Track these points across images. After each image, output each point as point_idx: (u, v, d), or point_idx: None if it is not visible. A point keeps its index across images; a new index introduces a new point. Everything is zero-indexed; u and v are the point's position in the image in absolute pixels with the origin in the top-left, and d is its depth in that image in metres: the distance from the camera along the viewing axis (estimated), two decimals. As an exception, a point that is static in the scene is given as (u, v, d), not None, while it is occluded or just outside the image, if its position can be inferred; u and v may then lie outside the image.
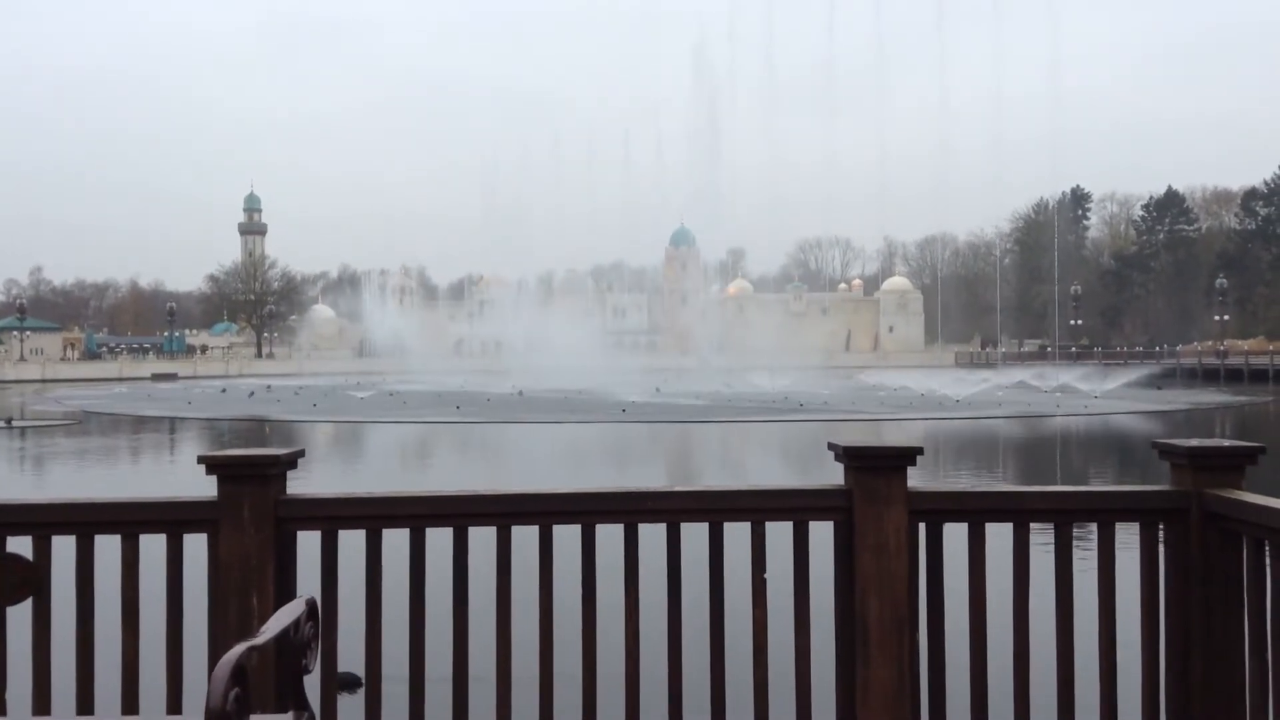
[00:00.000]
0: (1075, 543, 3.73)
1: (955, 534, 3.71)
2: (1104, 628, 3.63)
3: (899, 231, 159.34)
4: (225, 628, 3.55)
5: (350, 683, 4.60)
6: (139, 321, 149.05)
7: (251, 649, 1.96)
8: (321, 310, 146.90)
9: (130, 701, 3.57)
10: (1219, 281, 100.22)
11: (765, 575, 3.71)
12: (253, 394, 57.14)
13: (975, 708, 3.64)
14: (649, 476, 22.43)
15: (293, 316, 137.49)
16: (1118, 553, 3.70)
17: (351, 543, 3.71)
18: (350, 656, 3.76)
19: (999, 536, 3.70)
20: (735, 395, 49.98)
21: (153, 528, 3.66)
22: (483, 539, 3.71)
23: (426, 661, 3.66)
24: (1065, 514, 3.74)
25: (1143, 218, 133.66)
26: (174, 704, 3.55)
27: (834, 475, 3.90)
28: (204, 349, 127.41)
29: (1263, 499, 3.34)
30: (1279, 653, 3.19)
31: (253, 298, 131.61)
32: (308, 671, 2.32)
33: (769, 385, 56.68)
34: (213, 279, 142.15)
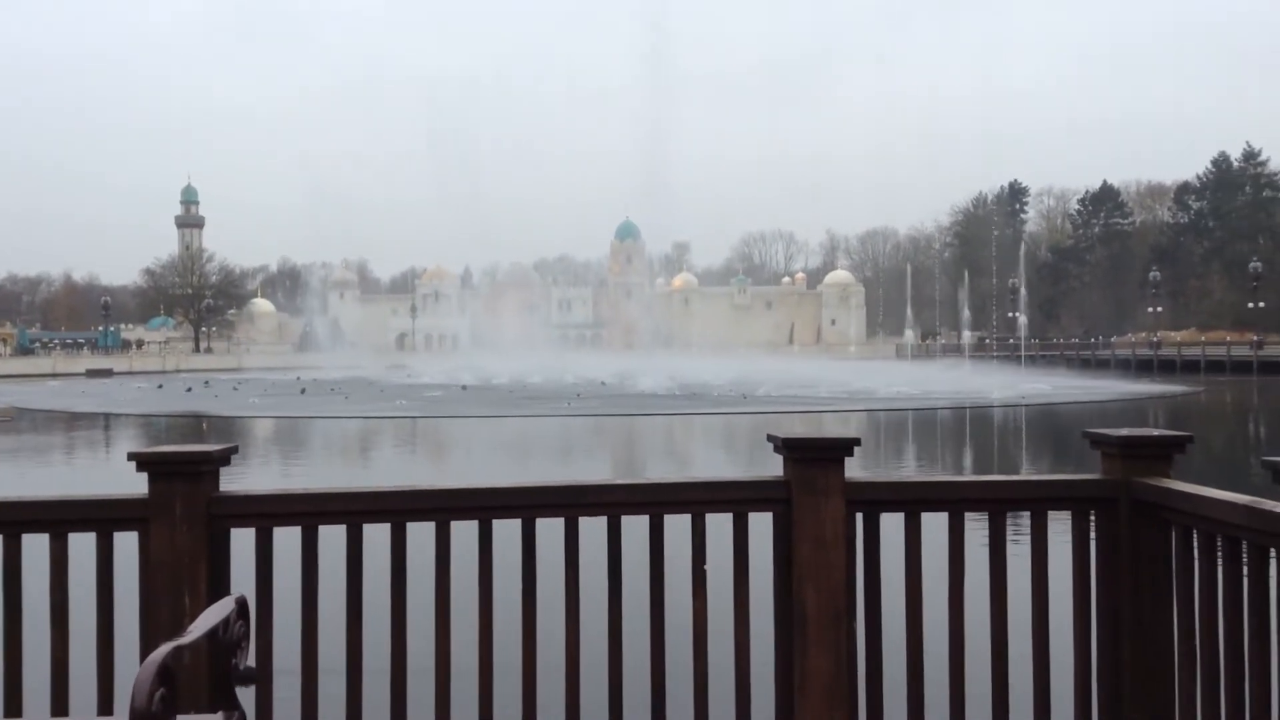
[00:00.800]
0: (1013, 531, 3.79)
1: (893, 523, 3.75)
2: (1037, 614, 3.69)
3: (841, 225, 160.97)
4: (157, 627, 3.49)
5: (246, 677, 4.41)
6: (73, 316, 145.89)
7: (179, 648, 1.93)
8: (261, 304, 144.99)
9: (60, 703, 3.50)
10: (1152, 274, 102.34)
11: (706, 567, 3.72)
12: (190, 389, 56.33)
13: (912, 696, 3.68)
14: (593, 470, 22.43)
15: (231, 311, 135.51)
16: (1054, 540, 3.77)
17: (288, 540, 3.67)
18: (288, 655, 3.71)
19: (936, 525, 3.75)
20: (681, 388, 50.17)
21: (82, 526, 3.59)
22: (422, 535, 3.68)
23: (364, 658, 3.63)
24: (999, 503, 3.79)
25: (1079, 211, 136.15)
26: (105, 705, 3.48)
27: (778, 467, 3.92)
28: (140, 344, 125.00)
29: (1190, 487, 3.41)
30: (1206, 639, 3.26)
31: (190, 291, 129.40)
32: (238, 670, 2.28)
33: (714, 377, 57.02)
34: (149, 272, 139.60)
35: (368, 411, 38.69)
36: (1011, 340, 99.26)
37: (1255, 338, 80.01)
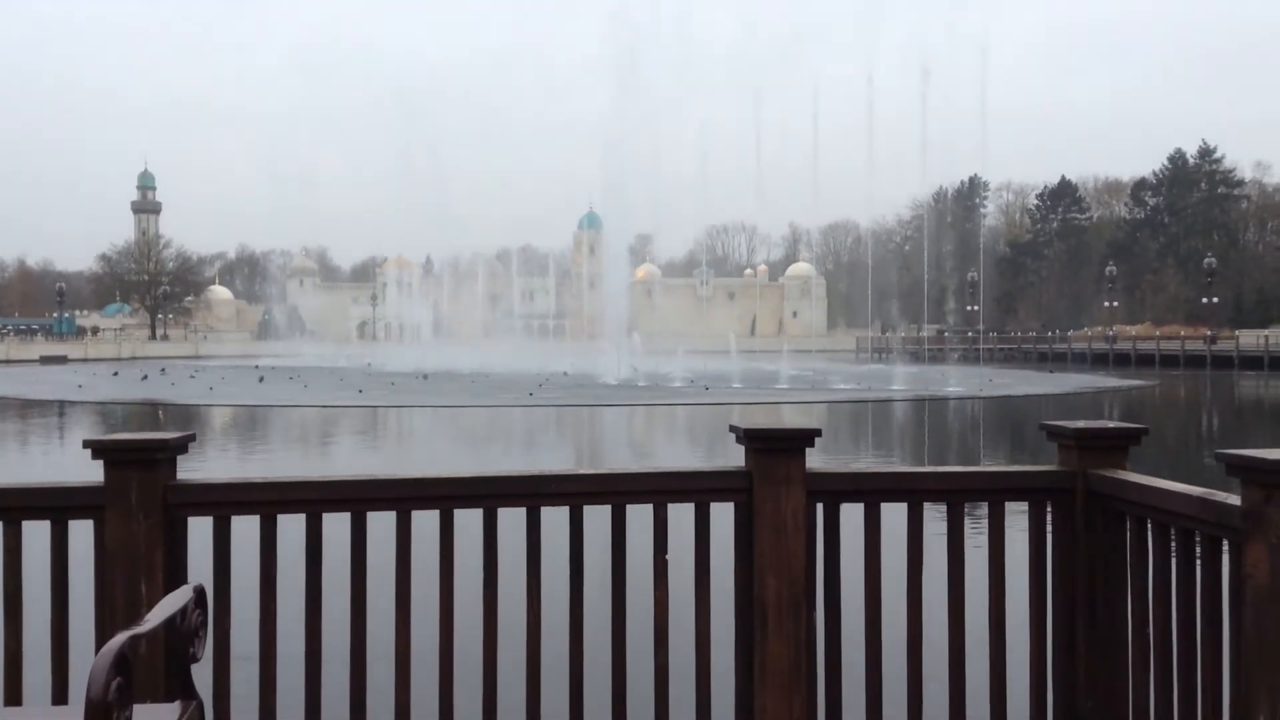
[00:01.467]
0: (972, 521, 3.83)
1: (853, 513, 3.77)
2: (994, 604, 3.73)
3: (803, 219, 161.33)
4: (113, 617, 3.45)
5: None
6: (27, 302, 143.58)
7: (135, 637, 1.92)
8: (219, 291, 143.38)
9: (13, 693, 3.46)
10: (1109, 269, 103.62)
11: (667, 556, 3.73)
12: (145, 377, 55.66)
13: (870, 684, 3.71)
14: (554, 459, 22.40)
15: (189, 298, 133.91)
16: (1011, 530, 3.81)
17: (247, 529, 3.64)
18: (246, 644, 3.68)
19: (897, 516, 3.78)
20: (644, 378, 50.24)
21: (36, 514, 3.53)
22: (383, 524, 3.66)
23: (324, 648, 3.61)
24: (957, 494, 3.83)
25: (1037, 206, 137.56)
26: (59, 695, 3.44)
27: (740, 457, 3.93)
28: (95, 331, 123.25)
29: (1144, 479, 3.46)
30: (1160, 627, 3.31)
31: (146, 278, 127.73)
32: (196, 659, 2.27)
33: (677, 369, 57.15)
34: (105, 259, 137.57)
35: (327, 400, 38.41)
36: (970, 334, 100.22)
37: (1209, 332, 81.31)
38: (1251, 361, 69.21)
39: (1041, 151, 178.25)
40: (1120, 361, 77.03)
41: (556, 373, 55.69)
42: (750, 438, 3.75)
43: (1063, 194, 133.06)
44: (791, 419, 30.78)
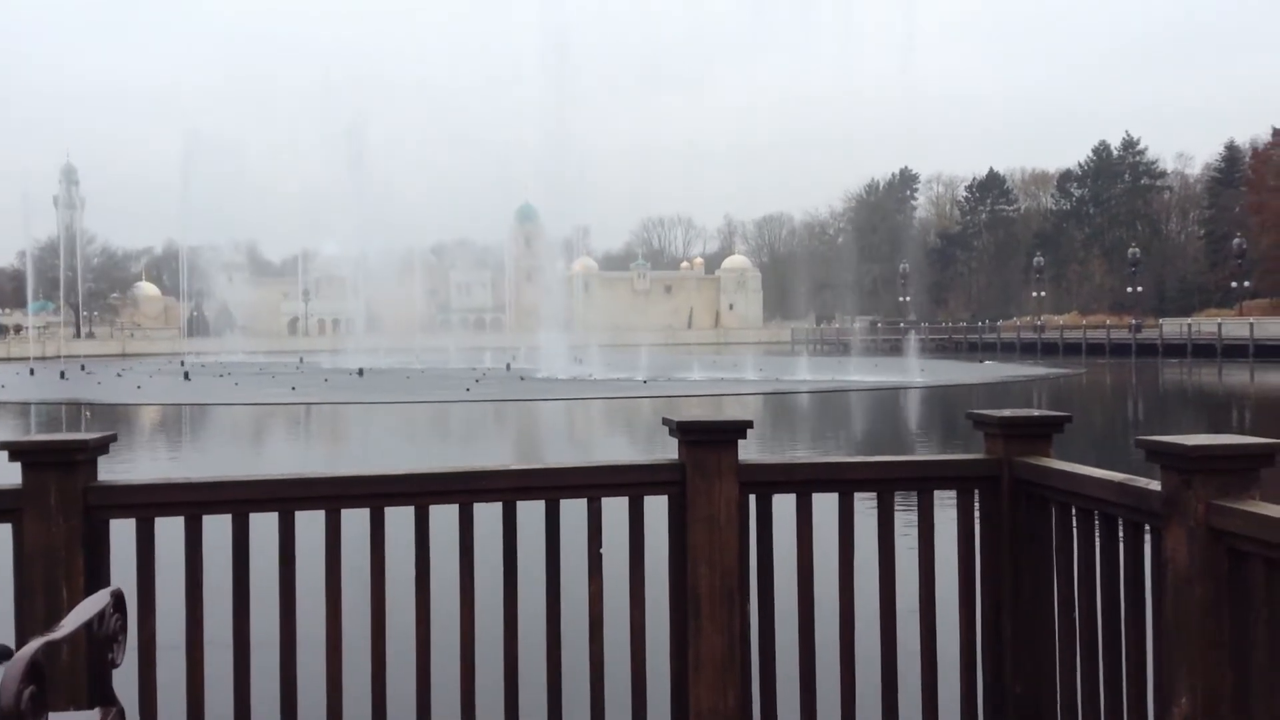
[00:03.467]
0: (903, 509, 3.87)
1: (786, 504, 3.80)
2: (924, 591, 3.78)
3: (738, 211, 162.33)
4: (32, 622, 3.36)
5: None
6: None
7: (50, 643, 1.86)
8: (146, 288, 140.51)
9: None
10: (1036, 259, 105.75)
11: (601, 550, 3.73)
12: (64, 375, 54.37)
13: (804, 673, 3.74)
14: (491, 455, 22.29)
15: (114, 294, 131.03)
16: (941, 519, 3.86)
17: (172, 531, 3.56)
18: (172, 649, 3.61)
19: (829, 505, 3.81)
20: (583, 372, 50.19)
21: None
22: (310, 523, 3.61)
23: (252, 650, 3.55)
24: (887, 483, 3.87)
25: (966, 198, 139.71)
26: None
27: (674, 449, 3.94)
28: (18, 329, 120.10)
29: (1068, 465, 3.52)
30: (1084, 611, 3.37)
31: (70, 274, 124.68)
32: (115, 665, 2.21)
33: (614, 361, 57.16)
34: (25, 255, 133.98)
35: (257, 398, 37.82)
36: (902, 324, 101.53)
37: (1134, 321, 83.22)
38: (1175, 349, 70.94)
39: (971, 144, 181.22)
40: (1048, 351, 78.53)
41: (495, 366, 55.42)
42: (683, 430, 3.76)
43: (991, 186, 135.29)
44: (730, 411, 30.95)
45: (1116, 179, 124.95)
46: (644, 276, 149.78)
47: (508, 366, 54.76)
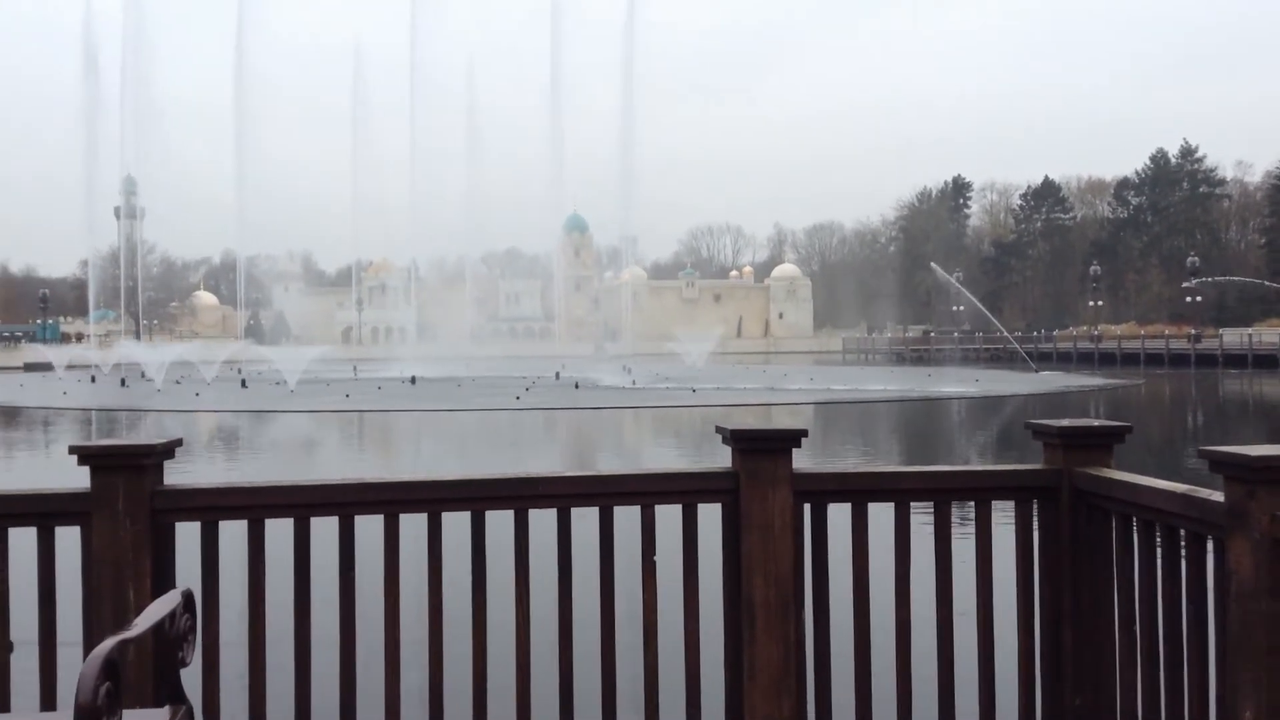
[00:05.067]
0: (961, 521, 3.85)
1: (841, 514, 3.78)
2: (981, 603, 3.75)
3: (788, 219, 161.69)
4: (100, 623, 3.44)
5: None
6: (9, 309, 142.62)
7: (124, 642, 1.91)
8: (204, 297, 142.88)
9: (1, 699, 3.44)
10: (1093, 268, 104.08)
11: (655, 558, 3.74)
12: (124, 382, 55.42)
13: (859, 683, 3.72)
14: (543, 462, 22.37)
15: (173, 303, 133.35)
16: (998, 529, 3.82)
17: (235, 534, 3.63)
18: (235, 649, 3.68)
19: (885, 515, 3.79)
20: (635, 380, 50.23)
21: (22, 520, 3.52)
22: (370, 528, 3.66)
23: (313, 651, 3.60)
24: (943, 493, 3.84)
25: (1021, 206, 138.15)
26: (48, 701, 3.43)
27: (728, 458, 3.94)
28: (80, 337, 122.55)
29: (1129, 476, 3.48)
30: (1145, 625, 3.33)
31: (130, 283, 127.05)
32: (185, 664, 2.26)
33: (666, 370, 57.20)
34: (88, 265, 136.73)
35: (313, 405, 38.28)
36: (956, 334, 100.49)
37: (1192, 331, 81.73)
38: (1235, 360, 69.60)
39: (1025, 152, 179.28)
40: (1105, 361, 77.36)
41: (545, 375, 55.64)
42: (736, 439, 3.76)
43: (1046, 194, 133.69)
44: (781, 421, 30.86)
45: (1175, 187, 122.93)
46: (693, 285, 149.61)
47: (557, 375, 54.95)
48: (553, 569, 3.70)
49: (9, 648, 3.48)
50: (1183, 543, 3.16)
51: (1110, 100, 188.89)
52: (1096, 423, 3.84)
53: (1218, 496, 2.93)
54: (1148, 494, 3.29)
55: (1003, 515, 3.85)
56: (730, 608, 3.76)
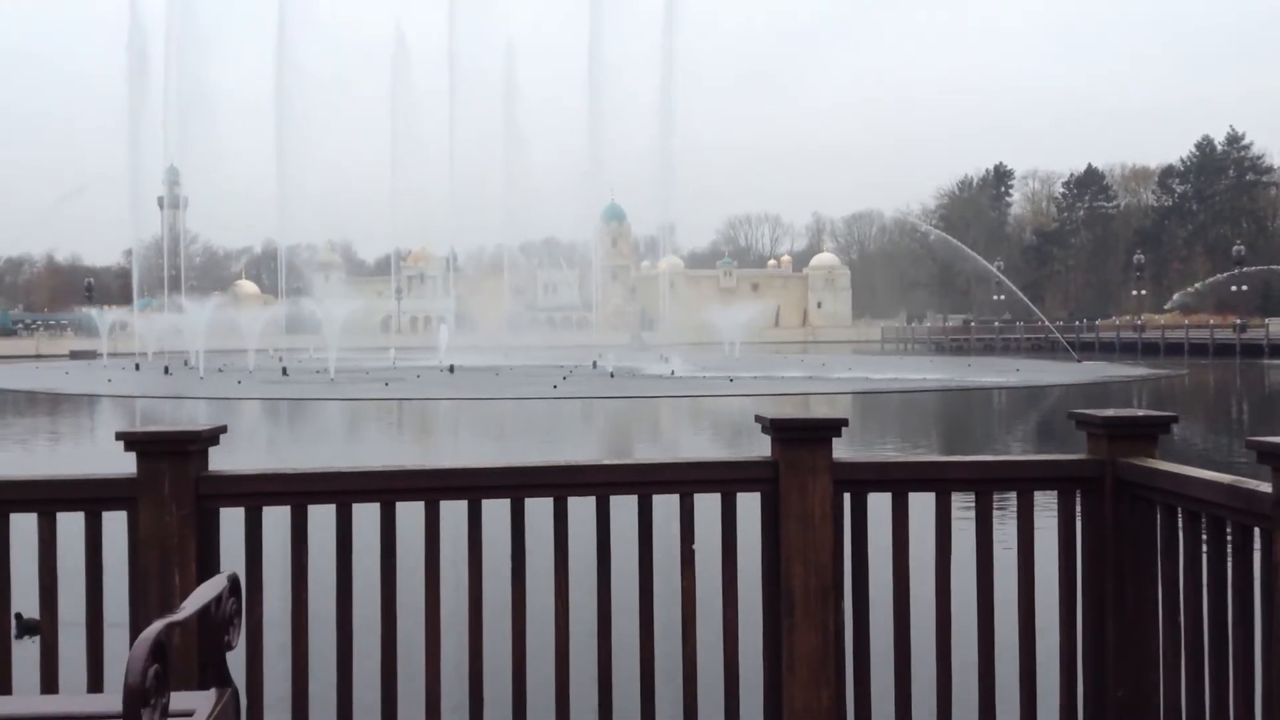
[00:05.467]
0: (1001, 511, 3.82)
1: (881, 503, 3.77)
2: (1023, 594, 3.72)
3: (827, 208, 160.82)
4: (146, 606, 3.49)
5: (31, 628, 4.04)
6: (55, 298, 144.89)
7: (171, 625, 1.94)
8: (245, 286, 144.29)
9: (50, 681, 3.51)
10: (1136, 257, 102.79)
11: (694, 546, 3.74)
12: (168, 370, 56.16)
13: (899, 673, 3.71)
14: (581, 450, 22.44)
15: (215, 292, 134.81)
16: (1042, 520, 3.79)
17: (278, 519, 3.67)
18: (278, 633, 3.72)
19: (925, 505, 3.77)
20: (673, 369, 50.23)
21: (70, 506, 3.58)
22: (411, 514, 3.69)
23: (354, 636, 3.64)
24: (985, 483, 3.82)
25: (1063, 194, 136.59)
26: (95, 683, 3.49)
27: (767, 447, 3.93)
28: (124, 325, 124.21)
29: (1174, 466, 3.44)
30: (1190, 617, 3.29)
31: (173, 273, 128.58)
32: (230, 648, 2.29)
33: (704, 359, 57.13)
34: (131, 254, 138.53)
35: (353, 394, 38.61)
36: (997, 324, 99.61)
37: (1238, 321, 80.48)
38: (1282, 350, 68.47)
39: (1068, 139, 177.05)
40: (1149, 351, 76.40)
41: (582, 365, 55.77)
42: (776, 427, 3.76)
43: (1089, 182, 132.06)
44: (819, 410, 30.75)
45: (1220, 175, 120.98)
46: (730, 274, 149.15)
47: (594, 364, 55.06)
48: (592, 557, 3.71)
49: (29, 627, 3.54)
50: (1229, 534, 3.12)
51: (1155, 87, 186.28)
52: (1141, 413, 3.80)
53: (1265, 488, 2.89)
54: (1193, 484, 3.25)
55: (1043, 506, 3.82)
56: (769, 597, 3.76)
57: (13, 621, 3.63)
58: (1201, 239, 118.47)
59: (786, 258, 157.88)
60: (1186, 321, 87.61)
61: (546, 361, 59.04)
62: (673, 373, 48.60)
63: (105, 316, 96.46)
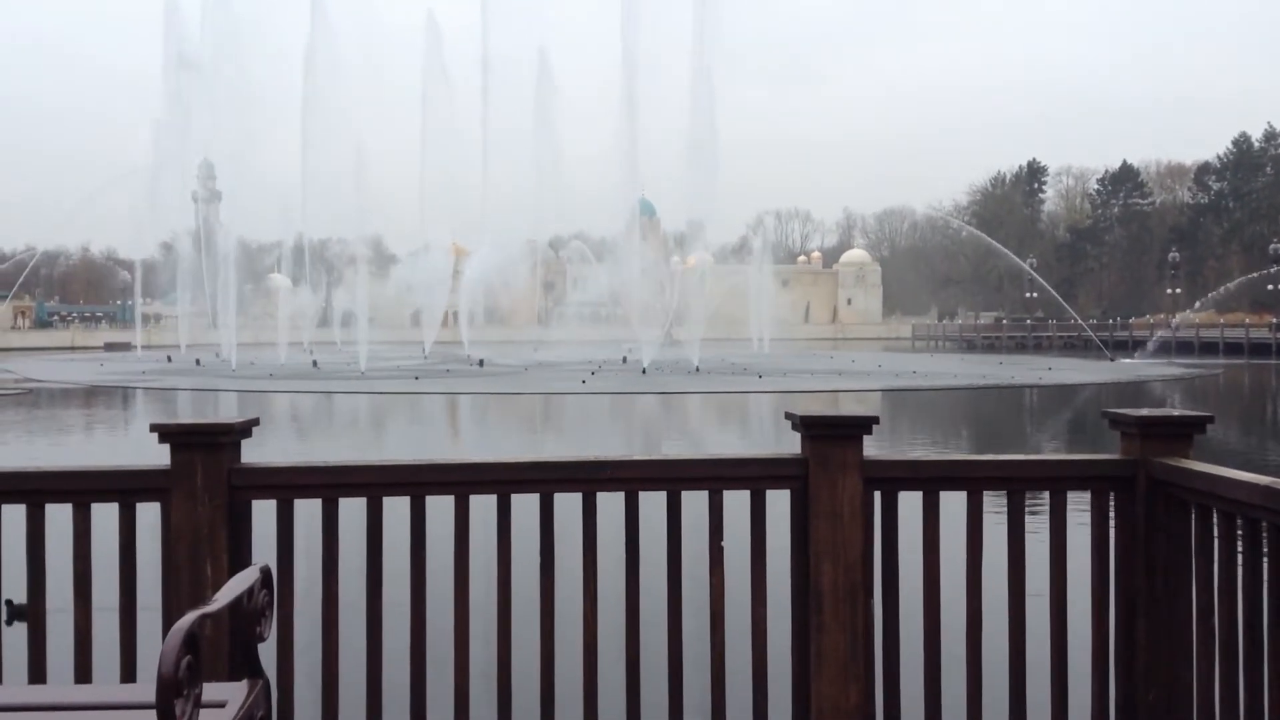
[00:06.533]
0: (1033, 510, 3.79)
1: (911, 502, 3.75)
2: (1055, 594, 3.69)
3: (858, 204, 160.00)
4: (178, 597, 3.52)
5: (20, 614, 3.92)
6: (90, 290, 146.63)
7: (204, 617, 1.96)
8: (278, 279, 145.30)
9: (83, 671, 3.55)
10: (1171, 255, 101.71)
11: (722, 543, 3.73)
12: (199, 362, 56.66)
13: (928, 673, 3.69)
14: (610, 446, 22.44)
15: (248, 285, 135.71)
16: (1072, 519, 3.76)
17: (309, 511, 3.70)
18: (308, 625, 3.75)
19: (956, 504, 3.75)
20: (701, 364, 50.16)
21: (104, 496, 3.62)
22: (440, 508, 3.70)
23: (384, 629, 3.66)
24: (1017, 481, 3.79)
25: (1098, 191, 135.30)
26: (128, 673, 3.53)
27: (796, 444, 3.92)
28: (158, 318, 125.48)
29: (1209, 467, 3.40)
30: (1224, 619, 3.25)
31: (207, 267, 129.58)
32: (262, 639, 2.31)
33: (733, 355, 57.00)
34: (166, 247, 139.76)
35: (383, 387, 38.80)
36: (1029, 321, 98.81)
37: (1275, 320, 79.44)
38: (1319, 350, 67.51)
39: (1103, 136, 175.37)
40: (1183, 349, 75.60)
41: (612, 359, 55.76)
42: (806, 425, 3.74)
43: (1124, 178, 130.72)
44: (849, 408, 30.63)
45: (1258, 171, 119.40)
46: (760, 270, 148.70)
47: (624, 359, 55.04)
48: (620, 553, 3.71)
49: (18, 613, 3.56)
50: (1264, 536, 3.08)
51: (1191, 83, 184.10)
52: (1176, 412, 3.76)
53: None
54: (1229, 485, 3.21)
55: (1075, 505, 3.78)
56: (798, 595, 3.75)
57: (2, 608, 3.66)
58: (1238, 237, 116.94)
59: (817, 253, 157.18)
60: (1221, 320, 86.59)
61: (575, 356, 59.07)
62: (700, 368, 48.53)
63: (139, 310, 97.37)
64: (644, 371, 46.80)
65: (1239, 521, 3.19)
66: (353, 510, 3.69)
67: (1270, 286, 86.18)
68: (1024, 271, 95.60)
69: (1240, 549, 3.19)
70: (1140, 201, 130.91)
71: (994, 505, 3.80)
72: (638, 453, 3.90)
